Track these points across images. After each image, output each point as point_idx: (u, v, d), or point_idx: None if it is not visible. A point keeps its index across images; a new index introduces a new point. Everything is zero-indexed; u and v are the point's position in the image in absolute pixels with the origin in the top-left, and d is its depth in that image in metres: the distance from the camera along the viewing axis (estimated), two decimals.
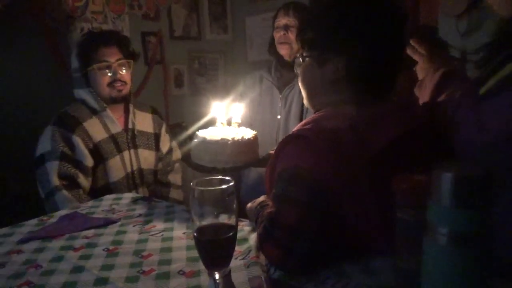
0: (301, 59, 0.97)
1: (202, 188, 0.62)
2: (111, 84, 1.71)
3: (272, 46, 1.97)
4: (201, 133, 1.19)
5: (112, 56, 1.71)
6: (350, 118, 0.83)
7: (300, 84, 1.02)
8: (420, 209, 0.60)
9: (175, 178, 1.99)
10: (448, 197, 0.52)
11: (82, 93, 1.73)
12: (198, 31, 2.89)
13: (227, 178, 0.64)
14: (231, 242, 0.63)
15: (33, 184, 1.64)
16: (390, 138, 0.80)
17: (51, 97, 1.94)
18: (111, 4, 2.23)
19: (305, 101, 1.03)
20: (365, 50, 0.86)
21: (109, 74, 1.70)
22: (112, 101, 1.75)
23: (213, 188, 0.63)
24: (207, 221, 0.63)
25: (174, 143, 2.03)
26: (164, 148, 1.97)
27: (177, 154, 2.02)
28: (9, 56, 1.93)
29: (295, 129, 0.89)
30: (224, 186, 0.62)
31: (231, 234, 0.62)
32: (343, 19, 0.88)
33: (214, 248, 0.63)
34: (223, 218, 0.64)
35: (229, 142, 1.11)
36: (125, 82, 1.75)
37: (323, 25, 0.91)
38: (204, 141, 1.14)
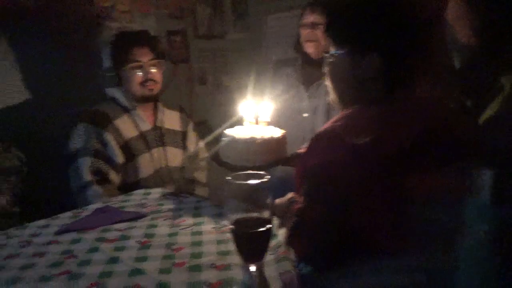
0: (330, 56, 0.97)
1: (239, 182, 0.64)
2: (143, 84, 1.75)
3: (298, 43, 1.97)
4: (230, 132, 1.21)
5: (144, 56, 1.75)
6: (380, 114, 0.83)
7: (328, 82, 1.01)
8: (452, 207, 0.61)
9: (200, 175, 2.03)
10: (487, 194, 0.52)
11: (113, 92, 1.78)
12: (222, 29, 2.92)
13: (263, 172, 0.66)
14: (268, 235, 0.65)
15: (64, 180, 1.69)
16: (420, 134, 0.80)
17: (81, 95, 1.99)
18: (138, 3, 2.27)
19: (331, 99, 1.03)
20: (399, 45, 0.85)
21: (141, 74, 1.74)
22: (144, 100, 1.80)
23: (250, 182, 0.64)
24: (243, 214, 0.65)
25: (200, 141, 2.07)
26: (191, 146, 2.00)
27: (203, 152, 2.05)
28: (42, 55, 1.99)
29: (325, 126, 0.89)
30: (260, 181, 0.64)
31: (268, 227, 0.64)
32: (377, 13, 0.88)
33: (252, 240, 0.65)
34: (259, 212, 0.66)
35: (258, 140, 1.12)
36: (156, 81, 1.79)
37: (356, 20, 0.90)
38: (233, 140, 1.15)
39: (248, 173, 0.67)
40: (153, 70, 1.77)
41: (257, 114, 1.27)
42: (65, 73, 2.04)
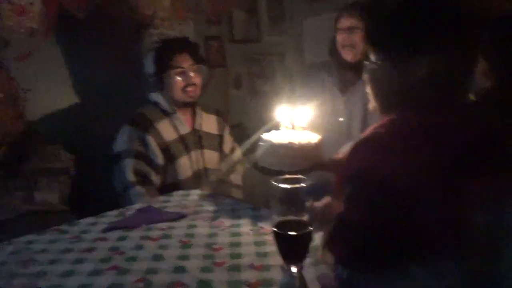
0: (371, 64, 0.96)
1: (282, 185, 0.66)
2: (184, 89, 1.82)
3: (333, 47, 1.96)
4: (267, 137, 1.23)
5: (185, 62, 1.82)
6: (425, 121, 0.83)
7: (369, 89, 1.01)
8: (498, 212, 0.60)
9: (236, 178, 2.07)
10: None
11: (155, 96, 1.86)
12: (257, 34, 2.96)
13: (305, 177, 0.68)
14: (309, 238, 0.67)
15: (109, 180, 1.78)
16: (467, 142, 0.79)
17: (125, 99, 2.09)
18: (177, 11, 2.35)
19: (371, 106, 1.03)
20: (446, 50, 0.84)
21: (183, 79, 1.81)
22: (184, 104, 1.87)
23: (292, 186, 0.66)
24: (285, 216, 0.67)
25: (236, 145, 2.11)
26: (227, 149, 2.05)
27: (238, 155, 2.10)
28: (91, 61, 2.10)
29: (368, 131, 0.90)
30: (302, 185, 0.66)
31: (309, 230, 0.66)
32: (421, 18, 0.87)
33: (294, 243, 0.67)
34: (300, 215, 0.68)
35: (296, 146, 1.14)
36: (196, 86, 1.85)
37: (400, 26, 0.89)
38: (270, 145, 1.17)
39: (289, 177, 0.69)
40: (193, 75, 1.84)
41: (293, 119, 1.29)
42: (111, 78, 2.15)
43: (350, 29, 1.81)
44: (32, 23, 1.81)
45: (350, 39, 1.81)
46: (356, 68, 1.88)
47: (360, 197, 0.81)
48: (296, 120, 1.27)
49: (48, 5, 1.84)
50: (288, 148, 1.14)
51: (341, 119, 1.90)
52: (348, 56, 1.85)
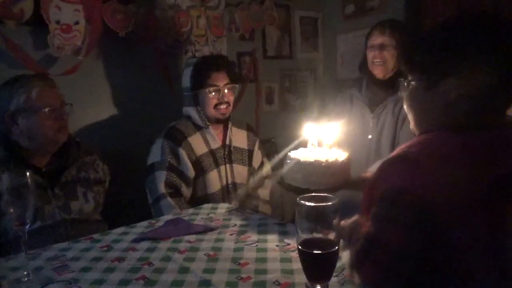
0: (406, 83, 0.96)
1: (309, 204, 0.66)
2: (216, 106, 1.86)
3: (364, 64, 1.94)
4: (294, 154, 1.23)
5: (222, 80, 1.87)
6: (463, 143, 0.81)
7: (406, 108, 1.00)
8: None
9: (264, 193, 2.07)
10: None
11: (189, 110, 1.91)
12: (290, 50, 2.98)
13: (331, 195, 0.67)
14: (334, 257, 0.66)
15: (142, 190, 1.84)
16: (508, 168, 0.76)
17: (160, 112, 2.16)
18: (212, 28, 2.42)
19: (411, 125, 1.01)
20: (479, 71, 0.83)
21: (217, 96, 1.85)
22: (216, 121, 1.90)
23: (319, 204, 0.66)
24: (311, 235, 0.67)
25: (266, 160, 2.12)
26: (256, 164, 2.06)
27: (267, 170, 2.10)
28: (129, 76, 2.20)
29: (399, 149, 0.88)
30: (329, 203, 0.66)
31: (335, 249, 0.65)
32: (452, 40, 0.86)
33: (318, 261, 0.66)
34: (326, 234, 0.67)
35: (323, 163, 1.13)
36: (229, 104, 1.89)
37: (434, 47, 0.90)
38: (297, 162, 1.17)
39: (316, 195, 0.69)
40: (227, 93, 1.88)
41: (320, 136, 1.28)
42: (148, 92, 2.23)
43: (381, 46, 1.80)
44: (77, 41, 1.92)
45: (381, 56, 1.80)
46: (386, 86, 1.86)
47: (393, 218, 0.78)
48: (323, 138, 1.27)
49: (92, 24, 1.95)
50: (315, 166, 1.14)
51: (370, 136, 1.87)
52: (378, 72, 1.84)
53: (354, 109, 1.96)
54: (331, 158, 1.15)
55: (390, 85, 1.85)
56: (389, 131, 1.84)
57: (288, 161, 1.20)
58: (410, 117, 0.99)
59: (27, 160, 1.52)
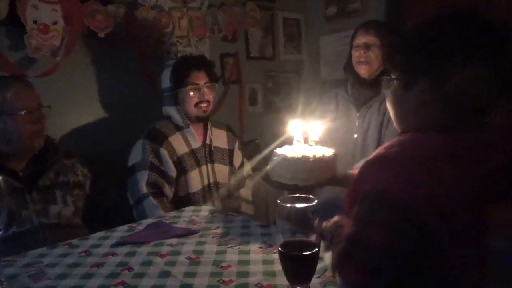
0: (389, 82, 0.96)
1: (288, 205, 0.65)
2: (197, 105, 1.87)
3: (348, 64, 1.96)
4: (281, 151, 1.22)
5: (202, 79, 1.87)
6: (444, 143, 0.81)
7: (388, 106, 1.01)
8: None
9: (246, 193, 2.07)
10: None
11: (170, 110, 1.90)
12: (273, 51, 2.99)
13: (311, 196, 0.67)
14: (315, 259, 0.65)
15: (124, 192, 1.80)
16: (491, 168, 0.77)
17: (141, 113, 2.13)
18: (194, 29, 2.40)
19: (394, 124, 1.02)
20: (454, 73, 0.83)
21: (197, 95, 1.86)
22: (197, 119, 1.90)
23: (299, 205, 0.65)
24: (291, 237, 0.66)
25: (246, 160, 2.12)
26: (237, 163, 2.06)
27: (248, 170, 2.10)
28: (109, 78, 2.16)
29: (380, 150, 0.88)
30: (309, 204, 0.65)
31: (315, 250, 0.64)
32: (429, 41, 0.87)
33: (299, 263, 0.65)
34: (307, 235, 0.66)
35: (310, 159, 1.13)
36: (209, 102, 1.89)
37: (411, 47, 0.91)
38: (284, 159, 1.17)
39: (296, 196, 0.68)
40: (207, 92, 1.89)
41: (306, 133, 1.29)
42: (128, 94, 2.19)
43: (366, 46, 1.81)
44: (55, 42, 1.87)
45: (366, 55, 1.81)
46: (371, 85, 1.88)
47: (374, 218, 0.78)
48: (309, 135, 1.27)
49: (70, 24, 1.91)
50: (302, 162, 1.13)
51: (355, 135, 1.88)
52: (363, 72, 1.85)
53: (339, 108, 1.97)
54: (318, 154, 1.15)
55: (375, 85, 1.87)
56: (374, 131, 1.85)
57: (275, 158, 1.19)
58: (391, 114, 1.00)
59: (3, 163, 1.47)
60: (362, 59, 1.83)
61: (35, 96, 1.52)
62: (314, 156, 1.13)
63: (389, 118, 1.80)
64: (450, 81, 0.84)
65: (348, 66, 1.95)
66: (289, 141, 1.30)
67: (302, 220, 0.66)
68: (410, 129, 0.92)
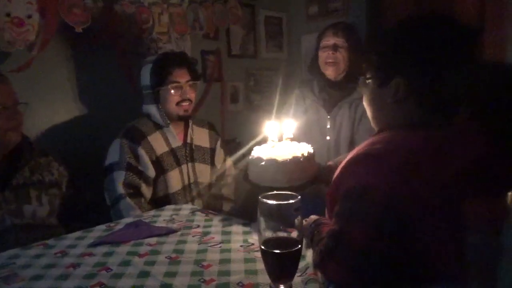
0: (365, 81, 0.98)
1: (270, 202, 0.65)
2: (179, 103, 1.82)
3: (314, 65, 1.96)
4: (257, 153, 1.22)
5: (183, 77, 1.83)
6: (424, 139, 0.83)
7: (364, 104, 1.03)
8: (494, 233, 0.59)
9: (228, 191, 2.05)
10: None
11: (149, 109, 1.85)
12: (255, 49, 2.98)
13: (294, 193, 0.66)
14: (297, 256, 0.65)
15: (102, 192, 1.76)
16: (467, 161, 0.78)
17: (119, 111, 2.08)
18: (175, 25, 2.36)
19: (371, 122, 1.04)
20: (422, 71, 0.86)
21: (179, 94, 1.82)
22: (178, 118, 1.86)
23: (281, 202, 0.65)
24: (273, 234, 0.65)
25: (228, 158, 2.10)
26: (219, 162, 2.04)
27: (230, 169, 2.08)
28: (87, 74, 2.10)
29: (362, 147, 0.89)
30: (291, 201, 0.64)
31: (297, 247, 0.64)
32: (400, 42, 0.91)
33: (282, 260, 0.65)
34: (289, 232, 0.66)
35: (301, 158, 1.13)
36: (191, 101, 1.86)
37: (384, 47, 0.94)
38: (255, 160, 1.17)
39: (279, 193, 0.67)
40: (189, 90, 1.85)
41: (281, 132, 1.30)
42: (107, 91, 2.14)
43: (334, 47, 1.83)
44: (30, 36, 1.81)
45: (334, 56, 1.84)
46: (339, 87, 1.91)
47: (358, 215, 0.78)
48: (283, 133, 1.28)
49: (46, 18, 1.84)
50: (295, 163, 1.13)
51: (328, 137, 1.89)
52: (330, 73, 1.87)
53: (309, 109, 1.97)
54: (305, 152, 1.16)
55: (343, 87, 1.91)
56: (346, 132, 1.88)
57: (263, 163, 1.17)
58: (368, 113, 1.02)
59: None
60: (330, 60, 1.85)
61: (11, 92, 1.47)
62: (302, 154, 1.14)
63: (361, 115, 1.84)
64: (422, 79, 0.87)
65: (314, 67, 1.95)
66: (264, 141, 1.31)
67: (284, 217, 0.65)
68: (387, 127, 0.94)
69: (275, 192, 0.68)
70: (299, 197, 0.65)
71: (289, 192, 0.67)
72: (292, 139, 1.27)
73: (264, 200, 0.65)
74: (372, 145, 0.87)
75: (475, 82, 0.98)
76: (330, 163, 1.69)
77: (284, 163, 1.11)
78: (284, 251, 0.64)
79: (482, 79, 1.08)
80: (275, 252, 0.63)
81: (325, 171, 1.26)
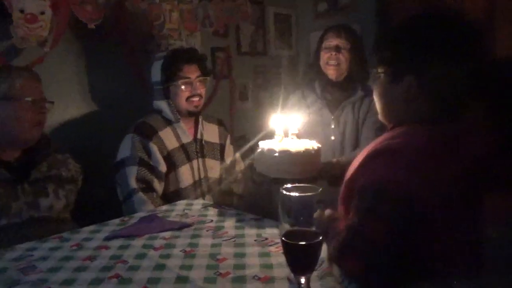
0: (376, 75, 0.98)
1: (292, 194, 0.65)
2: (189, 99, 1.84)
3: (315, 65, 1.96)
4: (266, 145, 1.23)
5: (193, 73, 1.84)
6: (441, 134, 0.83)
7: (375, 98, 1.03)
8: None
9: (237, 187, 2.06)
10: None
11: (160, 104, 1.87)
12: (264, 47, 2.98)
13: (315, 186, 0.66)
14: (319, 247, 0.65)
15: (113, 188, 1.77)
16: (482, 154, 0.78)
17: (131, 107, 2.09)
18: (185, 22, 2.37)
19: (380, 116, 1.04)
20: (435, 69, 0.86)
21: (189, 89, 1.83)
22: (188, 114, 1.88)
23: (303, 194, 0.65)
24: (294, 226, 0.66)
25: (237, 154, 2.10)
26: (228, 158, 2.05)
27: (240, 165, 2.09)
28: (99, 70, 2.12)
29: (378, 143, 0.89)
30: (312, 193, 0.65)
31: (319, 239, 0.64)
32: (414, 39, 0.90)
33: (303, 252, 0.65)
34: (308, 225, 0.66)
35: (312, 151, 1.14)
36: (201, 97, 1.87)
37: (397, 43, 0.94)
38: (266, 152, 1.18)
39: (299, 185, 0.68)
40: (199, 86, 1.86)
41: (286, 127, 1.30)
42: (119, 87, 2.15)
43: (337, 48, 1.84)
44: (43, 32, 1.82)
45: (336, 57, 1.85)
46: (341, 88, 1.91)
47: (376, 210, 0.78)
48: (289, 128, 1.29)
49: (58, 14, 1.86)
50: (308, 155, 1.14)
51: (332, 138, 1.90)
52: (331, 73, 1.88)
53: (311, 108, 1.97)
54: (314, 146, 1.16)
55: (345, 87, 1.91)
56: (351, 133, 1.88)
57: (276, 155, 1.19)
58: (377, 107, 1.02)
59: None
60: (333, 61, 1.86)
61: (40, 89, 1.55)
62: (313, 148, 1.14)
63: (365, 115, 1.85)
64: (434, 77, 0.87)
65: (315, 67, 1.95)
66: (270, 136, 1.32)
67: (306, 209, 0.65)
68: (397, 121, 0.94)
69: (295, 184, 0.68)
70: (320, 189, 0.65)
71: (309, 185, 0.67)
72: (297, 135, 1.28)
73: (285, 192, 0.65)
74: (389, 140, 0.87)
75: (486, 78, 0.99)
76: (333, 160, 1.69)
77: (298, 155, 1.12)
78: (307, 243, 0.64)
79: (494, 74, 1.08)
80: (298, 244, 0.64)
81: (327, 168, 1.27)
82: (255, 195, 2.05)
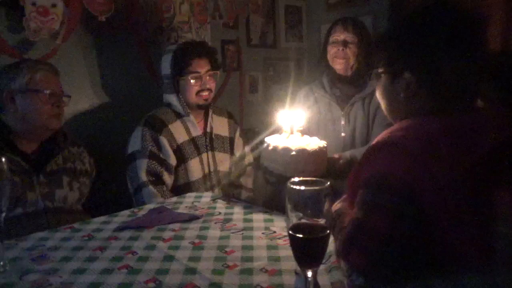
0: (376, 73, 0.99)
1: (299, 188, 0.65)
2: (198, 93, 1.84)
3: (323, 59, 1.94)
4: (271, 141, 1.23)
5: (203, 67, 1.84)
6: (444, 125, 0.82)
7: (378, 97, 1.03)
8: None
9: (246, 181, 2.06)
10: None
11: (170, 98, 1.87)
12: (274, 39, 2.96)
13: (323, 180, 0.66)
14: (326, 241, 0.65)
15: (124, 180, 1.79)
16: (490, 147, 0.77)
17: (143, 101, 2.11)
18: (195, 14, 2.37)
19: (386, 113, 1.04)
20: (432, 63, 0.86)
21: (198, 83, 1.83)
22: (198, 108, 1.88)
23: (311, 188, 0.65)
24: (301, 219, 0.66)
25: (247, 148, 2.10)
26: (238, 151, 2.05)
27: (249, 158, 2.09)
28: (110, 63, 2.13)
29: (383, 135, 0.88)
30: (320, 187, 0.64)
31: (326, 233, 0.64)
32: (407, 37, 0.91)
33: (310, 246, 0.65)
34: (316, 218, 0.66)
35: (314, 151, 1.14)
36: (211, 90, 1.87)
37: (395, 42, 0.94)
38: (281, 151, 1.18)
39: (306, 179, 0.68)
40: (209, 80, 1.85)
41: (292, 123, 1.30)
42: (130, 80, 2.17)
43: (345, 43, 1.82)
44: (55, 25, 1.84)
45: (344, 52, 1.82)
46: (351, 83, 1.89)
47: (379, 203, 0.78)
48: (294, 124, 1.29)
49: (70, 7, 1.87)
50: (323, 153, 1.14)
51: (343, 134, 1.88)
52: (339, 68, 1.86)
53: (320, 104, 1.95)
54: (307, 146, 1.16)
55: (354, 82, 1.89)
56: (362, 129, 1.86)
57: (294, 153, 1.19)
58: (382, 106, 1.03)
59: (14, 144, 1.50)
60: (340, 55, 1.83)
61: (59, 83, 1.60)
62: (324, 146, 1.14)
63: (375, 110, 1.83)
64: (434, 72, 0.86)
65: (323, 61, 1.93)
66: (277, 131, 1.32)
67: (314, 203, 0.65)
68: (401, 119, 0.94)
69: (304, 178, 0.68)
70: (328, 183, 0.65)
71: (318, 179, 0.67)
72: (302, 132, 1.28)
73: (293, 186, 0.65)
74: (392, 133, 0.86)
75: (489, 69, 0.97)
76: (335, 155, 1.69)
77: (315, 153, 1.12)
78: (314, 236, 0.64)
79: (497, 66, 1.07)
80: (305, 237, 0.64)
81: (330, 163, 1.27)
82: (269, 194, 2.06)
